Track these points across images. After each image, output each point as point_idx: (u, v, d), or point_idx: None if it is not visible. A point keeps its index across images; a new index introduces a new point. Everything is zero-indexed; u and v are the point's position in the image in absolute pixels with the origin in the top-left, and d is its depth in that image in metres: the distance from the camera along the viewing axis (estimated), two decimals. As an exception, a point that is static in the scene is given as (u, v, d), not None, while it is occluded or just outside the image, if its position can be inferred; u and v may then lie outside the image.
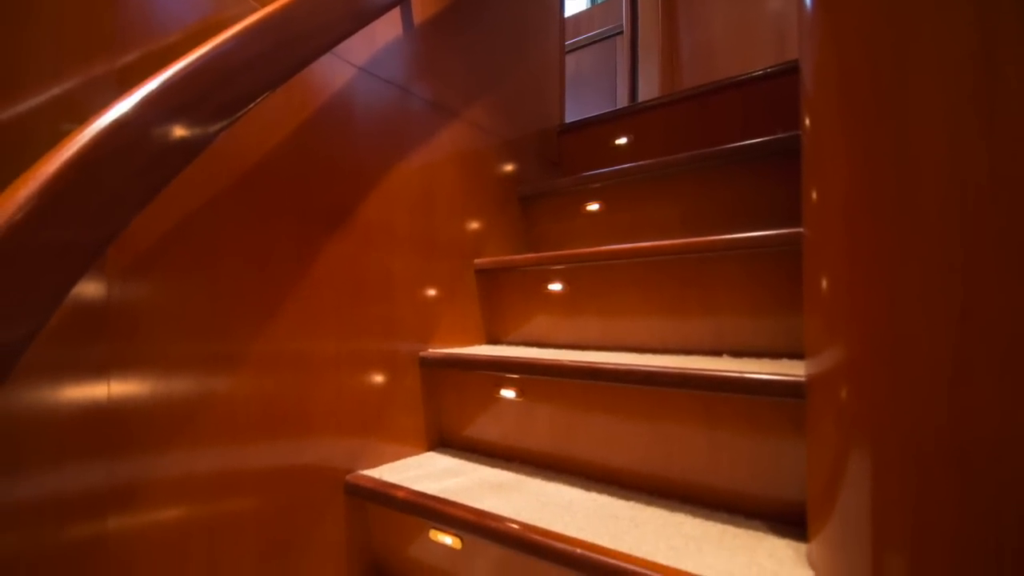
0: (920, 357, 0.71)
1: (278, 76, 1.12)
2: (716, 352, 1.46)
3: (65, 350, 0.92)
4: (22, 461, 0.87)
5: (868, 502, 0.79)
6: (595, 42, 4.10)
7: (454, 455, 1.62)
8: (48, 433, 0.90)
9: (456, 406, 1.68)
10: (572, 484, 1.36)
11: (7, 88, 0.88)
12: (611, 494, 1.29)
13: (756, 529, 1.10)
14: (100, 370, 0.96)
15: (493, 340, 1.96)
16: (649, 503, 1.24)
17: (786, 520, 1.12)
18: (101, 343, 0.97)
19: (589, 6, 4.38)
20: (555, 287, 1.80)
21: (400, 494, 1.31)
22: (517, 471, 1.46)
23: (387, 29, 1.62)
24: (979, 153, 0.66)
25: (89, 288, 0.95)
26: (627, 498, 1.27)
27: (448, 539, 1.27)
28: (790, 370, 1.12)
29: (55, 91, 0.93)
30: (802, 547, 1.01)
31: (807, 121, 0.96)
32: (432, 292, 1.71)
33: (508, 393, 1.55)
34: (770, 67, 2.11)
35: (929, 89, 0.71)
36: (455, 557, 1.28)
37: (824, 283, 0.89)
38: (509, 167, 2.16)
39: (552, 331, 1.83)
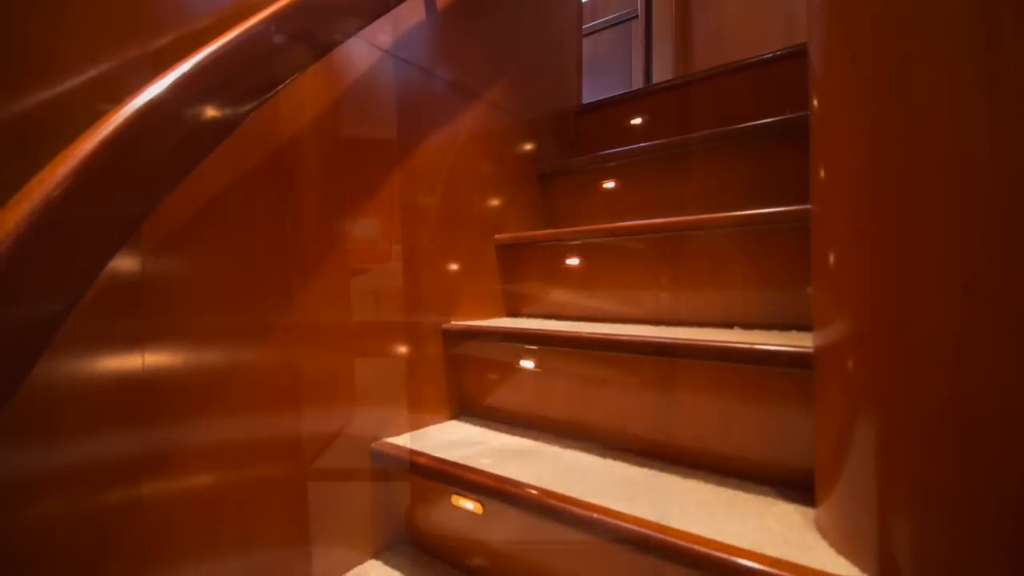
0: (925, 329, 0.71)
1: (306, 58, 1.11)
2: (728, 324, 1.45)
3: (102, 322, 0.93)
4: (61, 429, 0.88)
5: (874, 468, 0.78)
6: (611, 26, 4.04)
7: (475, 423, 1.63)
8: (86, 402, 0.91)
9: (477, 376, 1.68)
10: (589, 451, 1.35)
11: (47, 70, 0.88)
12: (626, 460, 1.29)
13: (765, 495, 1.09)
14: (135, 342, 0.97)
15: (513, 313, 1.95)
16: (662, 469, 1.23)
17: (794, 486, 1.11)
18: (136, 316, 0.97)
19: (606, -10, 4.31)
20: (572, 262, 1.78)
21: (423, 461, 1.31)
22: (536, 439, 1.46)
23: (411, 13, 1.60)
24: (982, 134, 0.66)
25: (124, 263, 0.96)
26: (641, 465, 1.26)
27: (470, 504, 1.27)
28: (799, 342, 1.11)
29: (92, 73, 0.93)
30: (810, 512, 1.00)
31: (815, 102, 0.94)
32: (454, 266, 1.71)
33: (527, 364, 1.54)
34: (779, 50, 2.07)
35: (934, 71, 0.70)
36: (477, 521, 1.29)
37: (831, 258, 0.87)
38: (528, 146, 2.13)
39: (569, 304, 1.81)
